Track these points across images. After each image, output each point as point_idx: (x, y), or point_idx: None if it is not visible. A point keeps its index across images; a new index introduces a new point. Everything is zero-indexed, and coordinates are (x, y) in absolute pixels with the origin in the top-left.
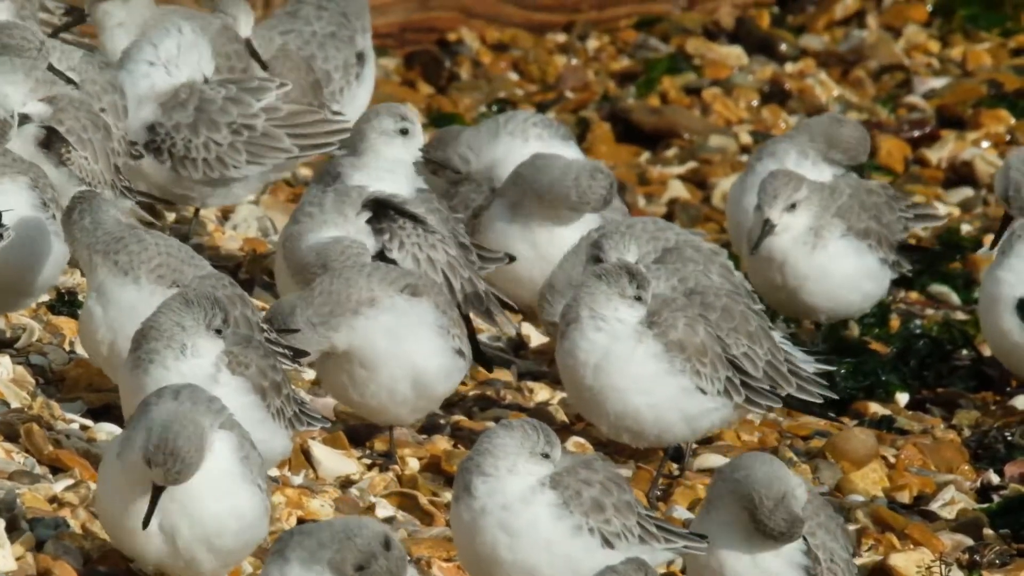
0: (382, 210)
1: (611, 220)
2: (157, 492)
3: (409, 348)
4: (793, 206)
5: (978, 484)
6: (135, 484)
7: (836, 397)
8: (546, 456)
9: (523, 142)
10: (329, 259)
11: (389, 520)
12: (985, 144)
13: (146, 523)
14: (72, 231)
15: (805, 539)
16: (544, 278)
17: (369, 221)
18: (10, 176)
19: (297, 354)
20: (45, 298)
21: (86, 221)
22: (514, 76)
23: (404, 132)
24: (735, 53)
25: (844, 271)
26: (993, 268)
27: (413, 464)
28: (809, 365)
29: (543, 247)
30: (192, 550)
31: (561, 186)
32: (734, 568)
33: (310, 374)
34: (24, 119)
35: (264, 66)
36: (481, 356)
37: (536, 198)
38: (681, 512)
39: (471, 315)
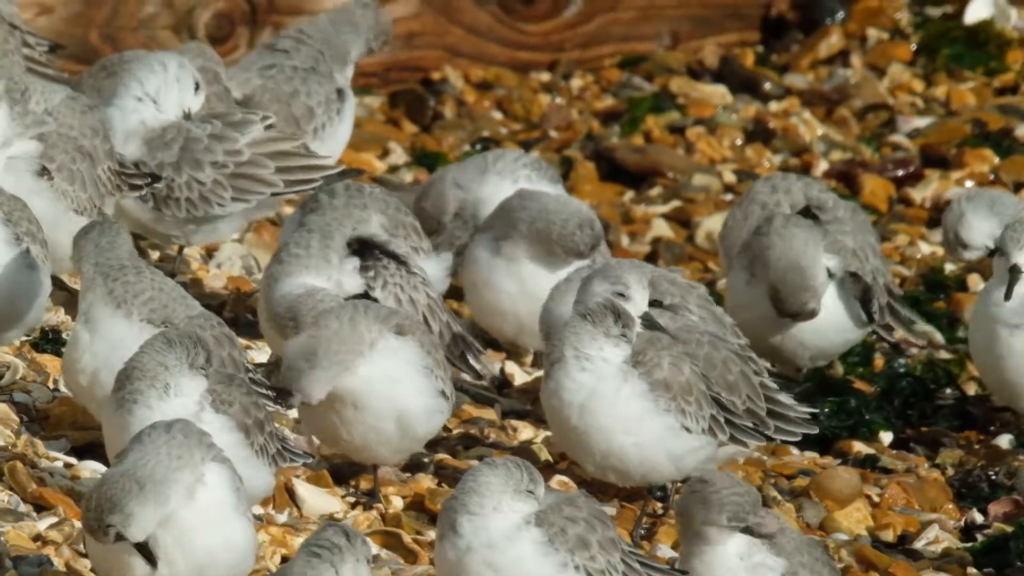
0: (367, 249)
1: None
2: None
3: (397, 389)
4: None
5: (962, 523)
6: None
7: (816, 432)
8: (531, 493)
9: (512, 183)
10: (299, 314)
11: (373, 559)
12: (969, 183)
13: (153, 564)
14: (85, 244)
15: None
16: (528, 313)
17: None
18: None
19: (280, 395)
20: (28, 336)
21: (104, 240)
22: (498, 115)
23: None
24: (719, 92)
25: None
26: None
27: (397, 502)
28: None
29: (528, 282)
30: None
31: (547, 232)
32: None
33: (293, 412)
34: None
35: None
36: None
37: (521, 236)
38: (665, 551)
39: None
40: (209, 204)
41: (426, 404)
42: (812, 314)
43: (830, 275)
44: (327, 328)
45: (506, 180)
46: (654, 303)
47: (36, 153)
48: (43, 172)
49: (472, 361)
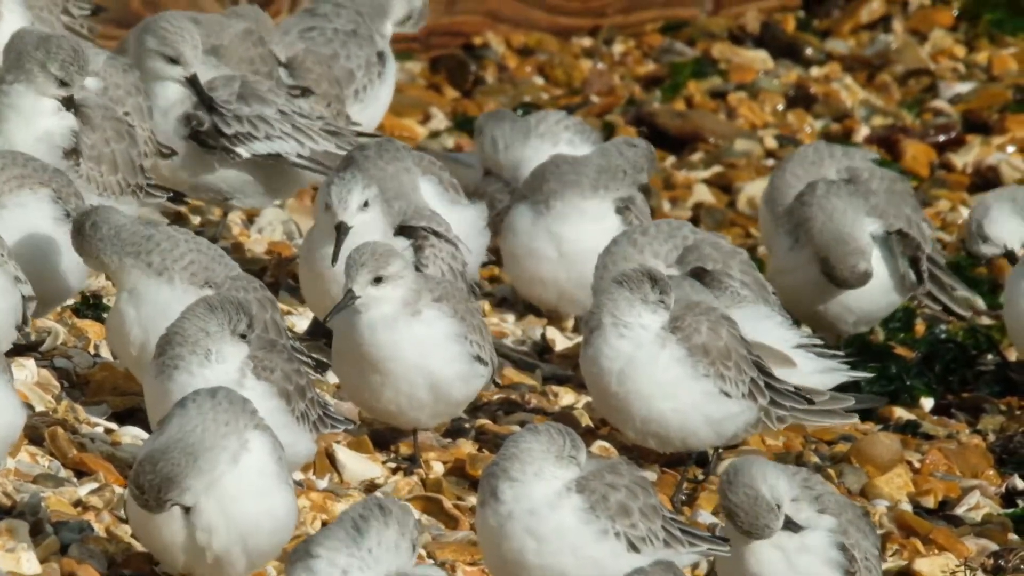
0: (410, 230)
1: (636, 226)
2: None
3: (426, 355)
4: None
5: (1003, 489)
6: None
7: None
8: (572, 460)
9: (552, 146)
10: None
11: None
12: (1011, 149)
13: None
14: (91, 244)
15: (841, 538)
16: (568, 280)
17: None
18: (30, 188)
19: (320, 364)
20: (70, 301)
21: (103, 231)
22: (539, 80)
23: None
24: (760, 57)
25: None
26: (1019, 270)
27: (437, 468)
28: (836, 374)
29: (567, 248)
30: (227, 550)
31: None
32: (772, 571)
33: (333, 378)
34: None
35: (210, 108)
36: None
37: (564, 195)
38: (706, 516)
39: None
40: (271, 140)
41: (458, 370)
42: (864, 277)
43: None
44: None
45: (547, 143)
46: (697, 269)
47: (73, 128)
48: (72, 153)
49: None
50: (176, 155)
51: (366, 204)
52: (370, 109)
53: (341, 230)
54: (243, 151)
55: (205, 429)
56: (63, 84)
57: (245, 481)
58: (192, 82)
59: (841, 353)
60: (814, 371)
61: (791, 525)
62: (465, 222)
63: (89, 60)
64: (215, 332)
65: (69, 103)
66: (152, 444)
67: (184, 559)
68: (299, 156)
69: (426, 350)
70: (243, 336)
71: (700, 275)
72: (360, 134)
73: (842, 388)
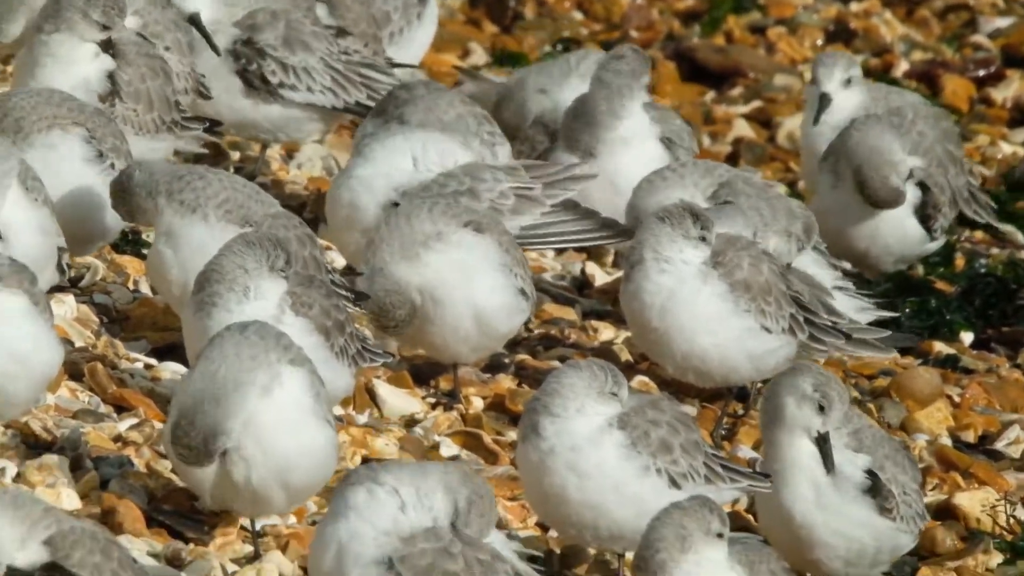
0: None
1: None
2: None
3: (473, 284)
4: None
5: None
6: None
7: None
8: (614, 396)
9: None
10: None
11: (453, 459)
12: None
13: None
14: (130, 192)
15: (875, 474)
16: (607, 216)
17: None
18: (61, 128)
19: (359, 296)
20: None
21: (137, 176)
22: (579, 15)
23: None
24: None
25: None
26: None
27: (477, 403)
28: (867, 313)
29: (607, 185)
30: (264, 486)
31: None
32: (806, 507)
33: None
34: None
35: (216, 51)
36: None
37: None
38: (746, 452)
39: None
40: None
41: (504, 301)
42: (897, 193)
43: (911, 175)
44: (381, 228)
45: (587, 82)
46: (726, 203)
47: (108, 70)
48: (109, 95)
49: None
50: (210, 98)
51: None
52: (406, 51)
53: None
54: (285, 93)
55: (228, 368)
56: (105, 28)
57: (279, 415)
58: (194, 21)
59: (872, 294)
60: (849, 309)
61: (827, 461)
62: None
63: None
64: (253, 269)
65: (107, 45)
66: (182, 395)
67: (223, 494)
68: (334, 108)
69: (473, 279)
70: (281, 272)
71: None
72: (395, 64)
73: (882, 325)
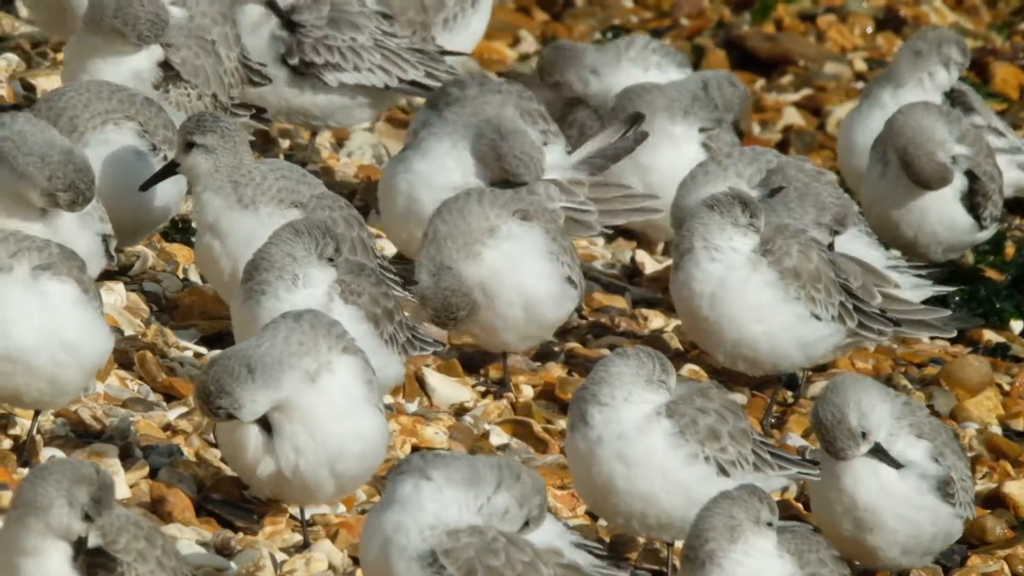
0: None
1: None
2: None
3: (522, 273)
4: None
5: None
6: None
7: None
8: (662, 384)
9: (643, 71)
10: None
11: (503, 448)
12: None
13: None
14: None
15: (937, 460)
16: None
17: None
18: (114, 122)
19: (408, 281)
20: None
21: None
22: (629, 3)
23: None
24: None
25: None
26: None
27: (527, 391)
28: (921, 290)
29: (652, 179)
30: (315, 473)
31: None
32: (870, 492)
33: None
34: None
35: (281, 16)
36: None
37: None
38: (795, 439)
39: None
40: (361, 60)
41: (552, 289)
42: (944, 173)
43: (954, 161)
44: (431, 227)
45: (638, 68)
46: (776, 190)
47: (159, 60)
48: (162, 83)
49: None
50: (269, 83)
51: None
52: (460, 38)
53: None
54: (331, 79)
55: (272, 346)
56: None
57: (328, 401)
58: (270, 4)
59: (927, 270)
60: (903, 287)
61: (886, 458)
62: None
63: None
64: (302, 257)
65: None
66: (216, 356)
67: (272, 482)
68: (387, 87)
69: (522, 268)
70: (330, 260)
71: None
72: (445, 52)
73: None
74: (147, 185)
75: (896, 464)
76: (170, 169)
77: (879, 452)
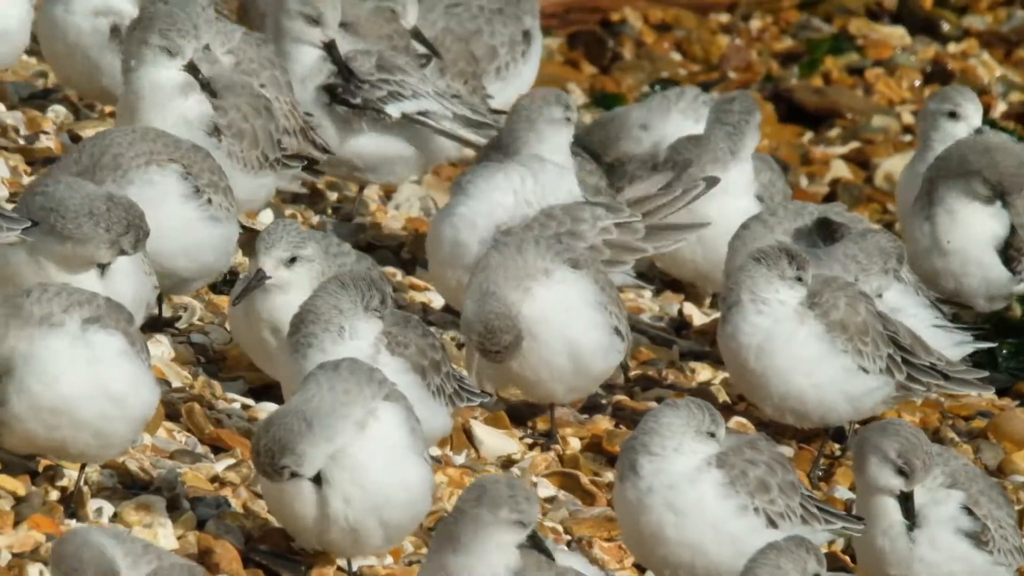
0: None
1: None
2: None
3: (569, 322)
4: None
5: None
6: None
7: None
8: (712, 435)
9: (694, 123)
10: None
11: (550, 500)
12: None
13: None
14: None
15: (971, 510)
16: (704, 259)
17: None
18: (158, 164)
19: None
20: None
21: None
22: (677, 56)
23: (568, 120)
24: (898, 33)
25: None
26: None
27: (574, 444)
28: (964, 346)
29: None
30: (361, 522)
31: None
32: (902, 543)
33: None
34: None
35: (435, 52)
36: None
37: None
38: (843, 492)
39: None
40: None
41: (599, 339)
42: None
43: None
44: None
45: (689, 120)
46: (823, 219)
47: (209, 113)
48: (215, 131)
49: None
50: (332, 155)
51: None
52: (511, 87)
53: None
54: (392, 110)
55: (323, 398)
56: (171, 54)
57: (375, 450)
58: (330, 48)
59: (969, 327)
60: (946, 345)
61: (909, 516)
62: None
63: (194, 22)
64: (348, 309)
65: (194, 71)
66: (271, 415)
67: (319, 533)
68: (445, 119)
69: (568, 314)
70: (376, 312)
71: (827, 226)
72: (494, 111)
73: (980, 364)
74: (239, 298)
75: (912, 521)
76: (259, 281)
77: (906, 500)
